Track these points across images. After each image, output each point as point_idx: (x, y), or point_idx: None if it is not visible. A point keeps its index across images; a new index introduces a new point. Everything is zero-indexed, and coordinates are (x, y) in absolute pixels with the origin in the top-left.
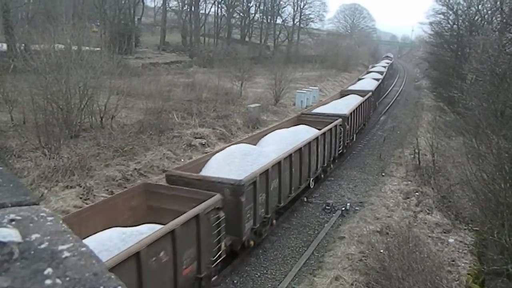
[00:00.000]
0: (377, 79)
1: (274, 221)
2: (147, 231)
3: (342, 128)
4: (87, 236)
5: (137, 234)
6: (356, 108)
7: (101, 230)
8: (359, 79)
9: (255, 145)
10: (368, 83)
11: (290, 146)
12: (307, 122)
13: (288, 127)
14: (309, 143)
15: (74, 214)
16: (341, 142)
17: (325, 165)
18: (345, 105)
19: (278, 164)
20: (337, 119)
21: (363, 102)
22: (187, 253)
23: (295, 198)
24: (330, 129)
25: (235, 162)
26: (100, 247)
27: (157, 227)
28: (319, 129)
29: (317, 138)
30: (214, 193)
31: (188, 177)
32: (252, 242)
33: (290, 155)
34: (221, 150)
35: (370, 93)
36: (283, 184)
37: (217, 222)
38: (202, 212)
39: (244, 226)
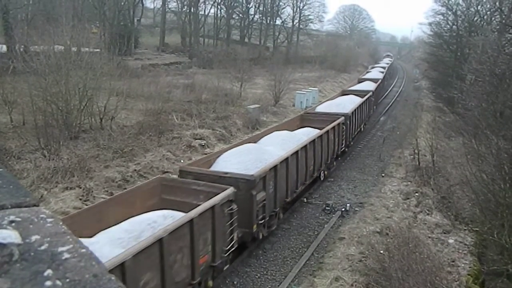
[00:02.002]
0: (382, 72)
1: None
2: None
3: (372, 99)
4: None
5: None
6: (375, 88)
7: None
8: (368, 72)
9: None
10: (377, 74)
11: (354, 104)
12: (349, 95)
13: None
14: (361, 103)
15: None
16: (371, 108)
17: (367, 120)
18: (368, 86)
19: (352, 113)
20: (369, 93)
21: (378, 85)
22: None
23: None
24: (368, 97)
25: (333, 109)
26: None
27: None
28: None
29: (364, 102)
30: (339, 115)
31: (318, 115)
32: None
33: (356, 109)
34: (320, 104)
35: (381, 80)
36: (356, 122)
37: (343, 130)
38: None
39: (344, 140)
